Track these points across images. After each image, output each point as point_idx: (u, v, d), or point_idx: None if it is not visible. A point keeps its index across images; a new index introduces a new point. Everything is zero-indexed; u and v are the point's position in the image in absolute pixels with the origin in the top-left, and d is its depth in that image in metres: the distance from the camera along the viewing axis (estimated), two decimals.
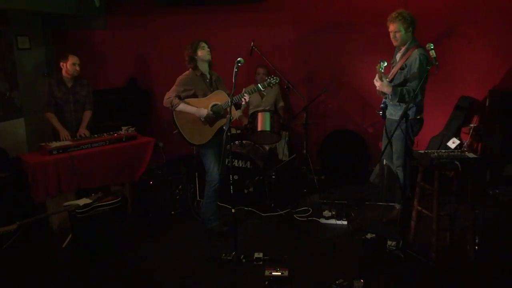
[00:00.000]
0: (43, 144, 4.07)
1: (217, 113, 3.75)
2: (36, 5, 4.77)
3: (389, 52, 5.14)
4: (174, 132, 3.84)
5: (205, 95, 3.77)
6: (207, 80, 3.82)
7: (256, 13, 5.50)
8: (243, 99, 3.67)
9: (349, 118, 5.57)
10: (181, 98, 3.73)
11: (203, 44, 3.73)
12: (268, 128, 4.31)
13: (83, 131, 4.47)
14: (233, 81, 3.32)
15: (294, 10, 5.44)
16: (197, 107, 3.73)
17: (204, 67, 3.79)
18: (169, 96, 3.71)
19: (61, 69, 4.42)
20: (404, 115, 3.26)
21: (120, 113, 5.51)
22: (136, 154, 4.43)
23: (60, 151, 4.00)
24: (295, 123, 5.09)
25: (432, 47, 3.40)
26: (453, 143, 4.75)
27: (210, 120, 3.75)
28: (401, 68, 3.71)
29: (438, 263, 3.31)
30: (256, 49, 4.72)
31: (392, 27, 3.69)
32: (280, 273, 3.14)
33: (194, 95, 3.77)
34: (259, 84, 3.71)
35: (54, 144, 4.05)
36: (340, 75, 5.46)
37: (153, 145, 4.56)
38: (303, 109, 4.61)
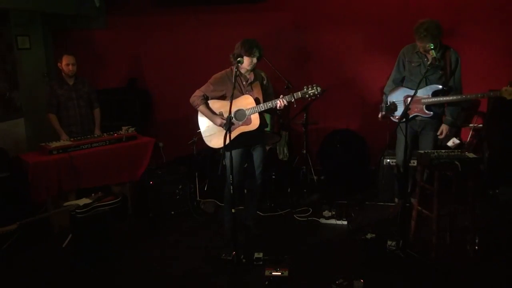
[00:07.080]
0: (43, 144, 4.07)
1: (238, 120, 3.59)
2: (36, 5, 4.78)
3: (389, 51, 5.16)
4: (198, 131, 3.80)
5: (234, 97, 3.60)
6: (243, 82, 3.66)
7: (256, 13, 5.50)
8: (278, 103, 3.49)
9: (349, 118, 5.56)
10: (207, 98, 3.66)
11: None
12: (268, 128, 4.30)
13: (98, 132, 4.61)
14: (233, 81, 3.33)
15: (294, 10, 5.44)
16: (214, 112, 3.64)
17: (244, 69, 3.64)
18: (196, 94, 3.65)
19: (60, 70, 4.50)
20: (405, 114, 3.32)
21: (120, 113, 5.51)
22: (136, 154, 4.43)
23: (60, 151, 4.00)
24: (295, 123, 5.09)
25: (432, 47, 3.40)
26: (453, 143, 4.74)
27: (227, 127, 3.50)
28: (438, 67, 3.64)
29: (438, 263, 3.31)
30: None
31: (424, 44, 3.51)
32: (280, 273, 3.14)
33: (223, 97, 3.68)
34: (296, 93, 3.51)
35: (54, 144, 4.05)
36: (340, 75, 5.46)
37: (153, 145, 4.57)
38: (303, 109, 4.60)
